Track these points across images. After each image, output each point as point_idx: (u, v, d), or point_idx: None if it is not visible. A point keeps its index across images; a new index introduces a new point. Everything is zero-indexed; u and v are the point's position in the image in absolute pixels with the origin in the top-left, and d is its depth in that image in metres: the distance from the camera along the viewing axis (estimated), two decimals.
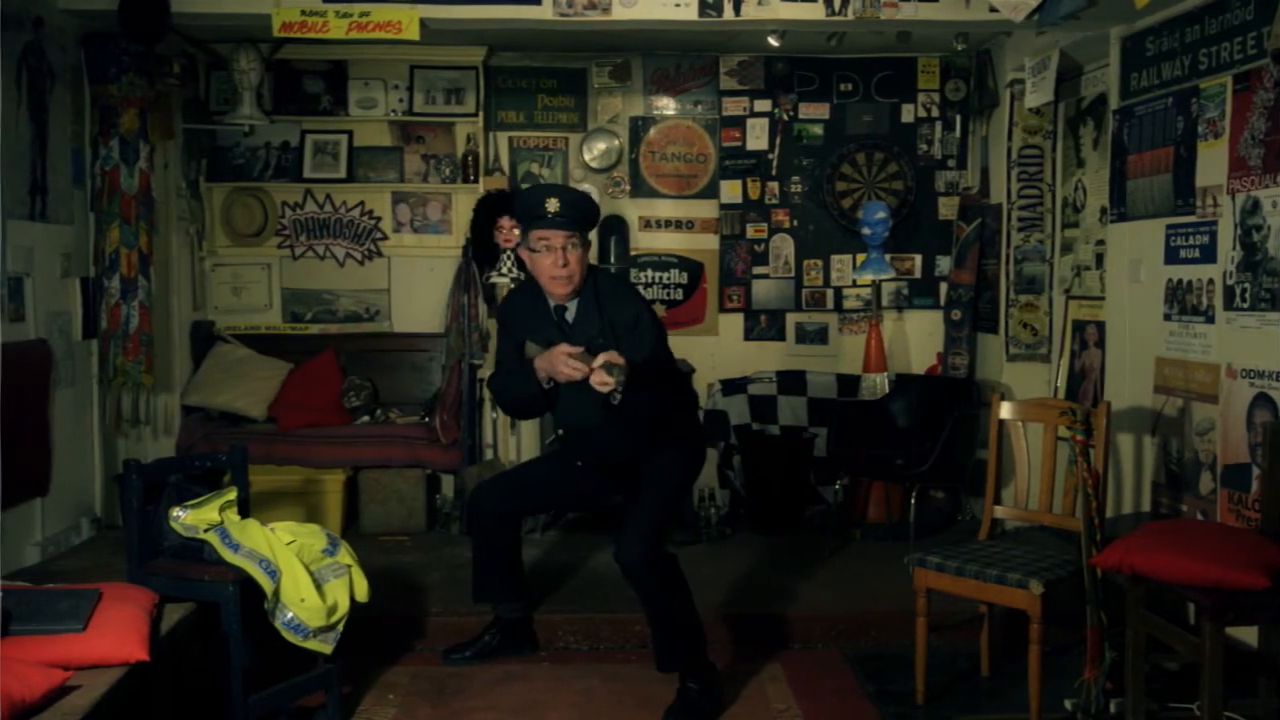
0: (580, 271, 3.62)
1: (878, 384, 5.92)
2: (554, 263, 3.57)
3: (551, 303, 3.71)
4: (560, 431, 3.92)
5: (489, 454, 5.97)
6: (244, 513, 3.69)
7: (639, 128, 6.46)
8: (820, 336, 6.52)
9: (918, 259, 6.50)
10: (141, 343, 5.50)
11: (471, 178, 6.24)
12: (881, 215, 5.98)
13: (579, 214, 3.61)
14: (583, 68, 6.40)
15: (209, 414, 5.93)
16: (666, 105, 6.46)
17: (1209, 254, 4.25)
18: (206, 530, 3.47)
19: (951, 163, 6.46)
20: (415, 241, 6.42)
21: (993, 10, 4.56)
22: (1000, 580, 3.61)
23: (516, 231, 4.76)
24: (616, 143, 6.43)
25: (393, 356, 6.33)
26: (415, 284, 6.39)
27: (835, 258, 6.50)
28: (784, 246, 6.50)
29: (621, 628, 4.39)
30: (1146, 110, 4.69)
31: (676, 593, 3.75)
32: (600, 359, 3.22)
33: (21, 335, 4.81)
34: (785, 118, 6.44)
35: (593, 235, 6.14)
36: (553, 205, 3.55)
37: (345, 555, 3.64)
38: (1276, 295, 3.86)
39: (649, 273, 6.48)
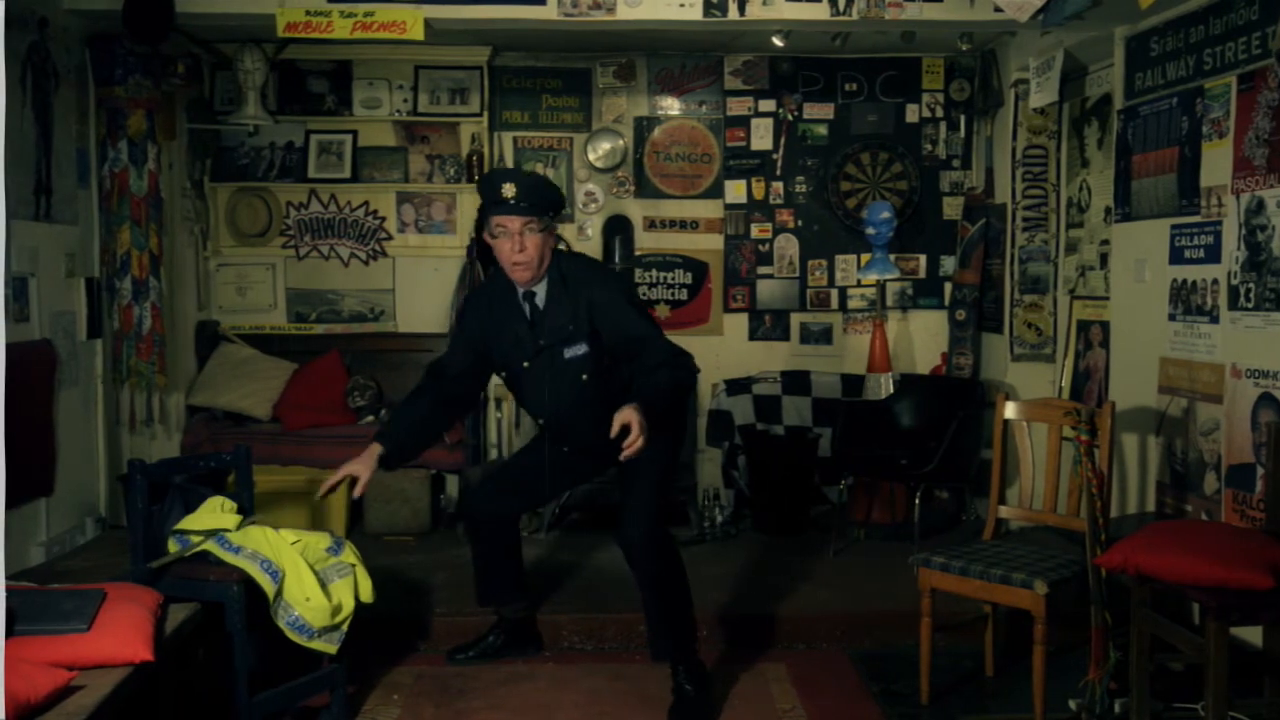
0: (541, 256, 3.59)
1: (882, 384, 5.91)
2: (512, 248, 3.55)
3: (519, 290, 3.69)
4: (540, 421, 3.89)
5: (493, 454, 5.97)
6: (248, 512, 3.69)
7: (643, 128, 6.46)
8: (825, 336, 6.52)
9: (922, 259, 6.49)
10: (155, 343, 5.53)
11: (476, 178, 6.24)
12: (886, 215, 5.97)
13: (537, 198, 3.56)
14: (587, 68, 6.40)
15: (214, 414, 5.94)
16: (671, 105, 6.45)
17: (1214, 254, 4.24)
18: (203, 541, 3.46)
19: (956, 163, 6.45)
20: (420, 242, 6.42)
21: (997, 10, 4.56)
22: (1005, 580, 3.60)
23: None
24: (621, 143, 6.43)
25: (397, 356, 6.33)
26: (420, 284, 6.40)
27: (840, 258, 6.50)
28: (788, 246, 6.49)
29: (626, 628, 4.38)
30: (1151, 110, 4.69)
31: (675, 573, 3.72)
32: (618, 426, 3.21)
33: (26, 335, 4.82)
34: (790, 118, 6.44)
35: (595, 235, 6.30)
36: (509, 190, 3.51)
37: (350, 555, 3.64)
38: None
39: (653, 273, 6.48)
